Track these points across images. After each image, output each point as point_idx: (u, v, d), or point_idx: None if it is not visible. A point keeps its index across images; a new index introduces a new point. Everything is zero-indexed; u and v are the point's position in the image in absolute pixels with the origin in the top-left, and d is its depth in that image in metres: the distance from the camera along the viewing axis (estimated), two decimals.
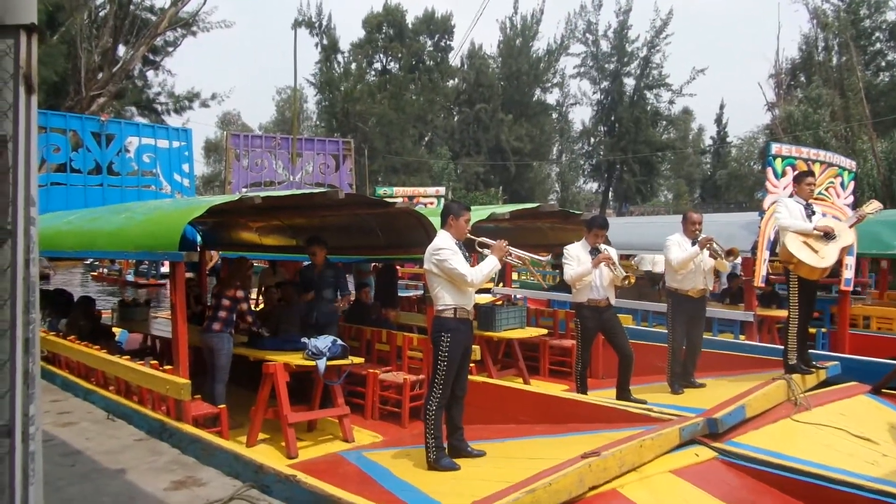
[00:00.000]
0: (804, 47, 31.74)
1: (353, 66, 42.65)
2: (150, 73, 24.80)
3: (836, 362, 6.31)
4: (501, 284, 11.29)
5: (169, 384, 4.84)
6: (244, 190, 11.31)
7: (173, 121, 25.14)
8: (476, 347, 5.26)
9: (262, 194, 5.46)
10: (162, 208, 6.01)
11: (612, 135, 45.84)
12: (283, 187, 12.16)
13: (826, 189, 7.90)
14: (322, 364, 5.58)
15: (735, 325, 8.63)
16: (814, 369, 5.87)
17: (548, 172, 48.29)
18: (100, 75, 17.74)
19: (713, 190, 45.45)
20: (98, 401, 5.59)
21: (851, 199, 8.05)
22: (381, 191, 16.72)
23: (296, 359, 5.70)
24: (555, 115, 47.51)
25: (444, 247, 4.43)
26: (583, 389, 5.95)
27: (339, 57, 42.71)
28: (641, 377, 6.56)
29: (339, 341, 5.88)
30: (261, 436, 5.62)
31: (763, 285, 8.15)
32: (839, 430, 4.78)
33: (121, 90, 20.38)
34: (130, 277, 28.04)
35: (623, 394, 5.85)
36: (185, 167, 9.92)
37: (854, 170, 8.39)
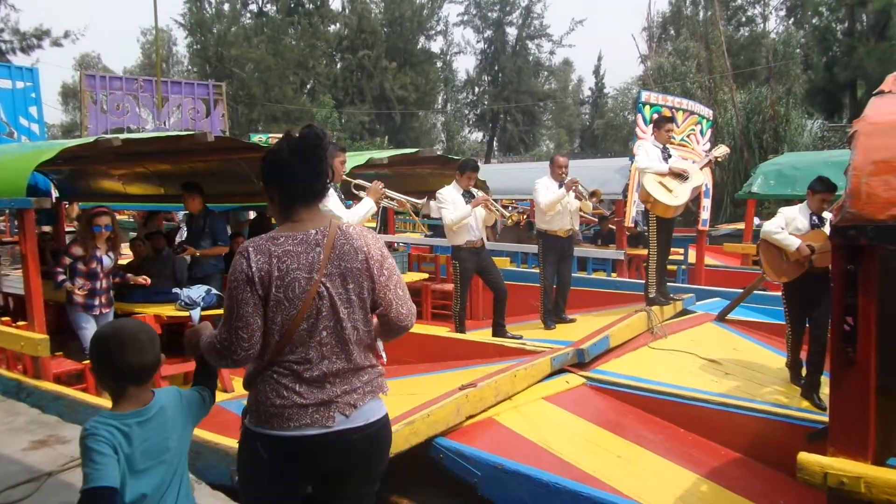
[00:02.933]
0: (673, 1, 33.25)
1: (227, 6, 40.05)
2: None
3: (692, 294, 6.89)
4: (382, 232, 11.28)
5: (24, 341, 4.50)
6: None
7: (20, 61, 22.63)
8: None
9: (122, 137, 5.08)
10: (5, 152, 5.47)
11: (496, 84, 46.28)
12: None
13: (688, 136, 8.44)
14: (196, 314, 5.39)
15: (607, 263, 9.18)
16: (671, 301, 6.37)
17: (433, 122, 48.18)
18: None
19: (592, 140, 47.22)
20: None
21: (709, 145, 8.64)
22: (255, 137, 16.04)
23: (167, 310, 5.46)
24: (439, 64, 47.18)
25: None
26: (461, 329, 6.13)
27: None
28: (518, 316, 6.86)
29: (214, 290, 5.68)
30: None
31: (632, 226, 8.68)
32: (689, 354, 5.26)
33: None
34: None
35: (499, 329, 6.08)
36: (33, 110, 9.00)
37: (711, 118, 9.00)
